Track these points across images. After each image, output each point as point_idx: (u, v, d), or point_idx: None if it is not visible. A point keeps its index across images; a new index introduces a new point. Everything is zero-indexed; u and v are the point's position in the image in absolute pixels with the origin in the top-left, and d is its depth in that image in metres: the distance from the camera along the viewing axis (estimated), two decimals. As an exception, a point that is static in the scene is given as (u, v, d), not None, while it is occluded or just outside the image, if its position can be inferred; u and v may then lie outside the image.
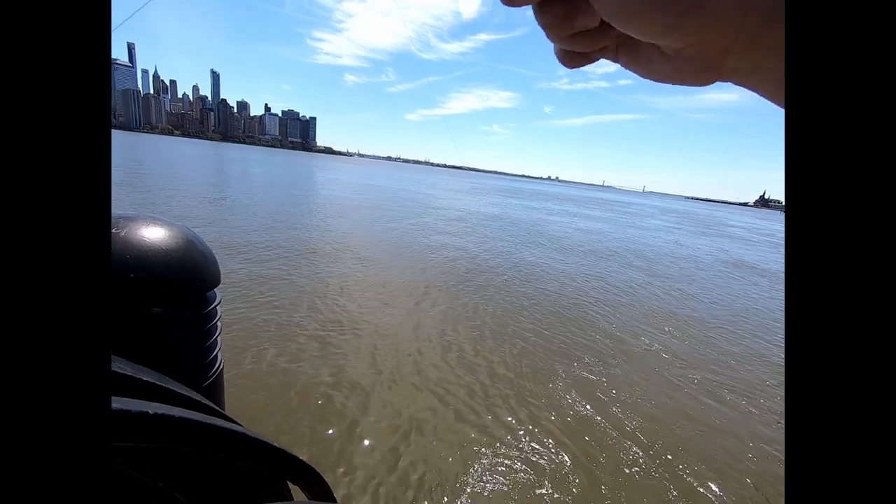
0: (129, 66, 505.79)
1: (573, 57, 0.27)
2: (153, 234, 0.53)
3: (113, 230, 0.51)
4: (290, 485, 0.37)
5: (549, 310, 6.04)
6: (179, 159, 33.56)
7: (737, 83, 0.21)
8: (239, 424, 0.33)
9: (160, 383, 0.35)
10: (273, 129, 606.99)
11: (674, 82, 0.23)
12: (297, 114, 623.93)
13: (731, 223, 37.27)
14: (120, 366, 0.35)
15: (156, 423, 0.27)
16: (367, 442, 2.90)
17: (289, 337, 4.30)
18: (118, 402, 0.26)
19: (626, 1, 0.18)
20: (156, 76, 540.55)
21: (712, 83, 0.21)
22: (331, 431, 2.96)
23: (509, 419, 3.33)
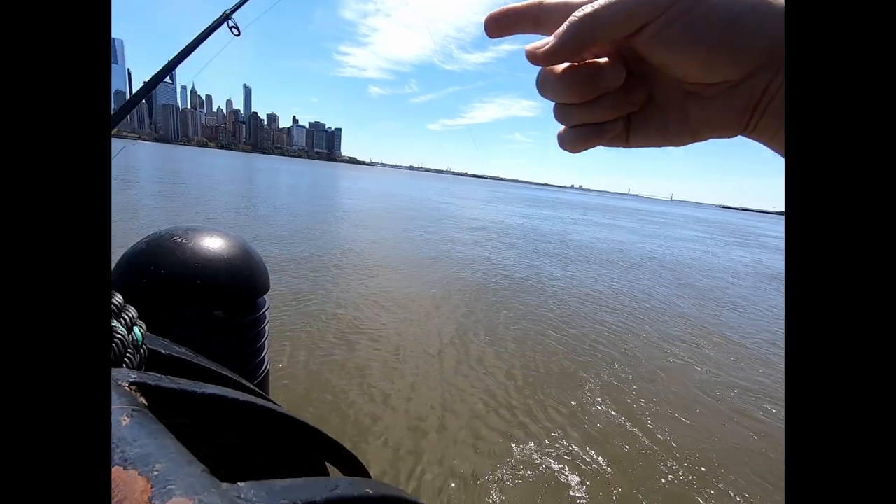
0: (169, 84, 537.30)
1: (581, 136, 0.26)
2: (215, 243, 0.59)
3: (180, 239, 0.57)
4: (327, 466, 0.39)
5: (574, 321, 5.84)
6: (213, 170, 35.06)
7: (766, 141, 0.22)
8: (294, 414, 0.35)
9: (233, 377, 0.39)
10: (300, 140, 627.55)
11: (706, 134, 0.23)
12: (323, 125, 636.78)
13: (767, 233, 35.36)
14: (203, 360, 0.40)
15: (236, 406, 0.30)
16: (383, 439, 2.89)
17: (315, 343, 4.33)
18: (213, 389, 0.29)
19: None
20: (193, 91, 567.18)
21: (745, 132, 0.22)
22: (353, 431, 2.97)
23: (539, 424, 3.29)
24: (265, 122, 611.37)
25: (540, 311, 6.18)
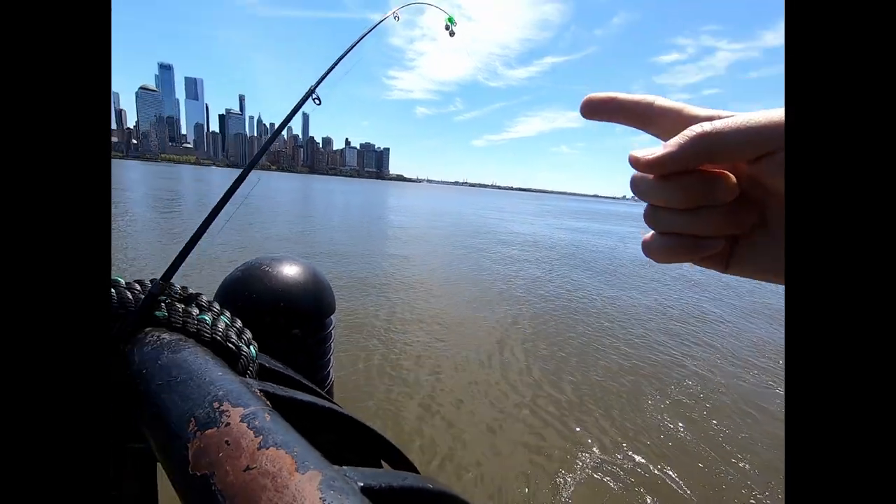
0: (239, 115, 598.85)
1: (674, 246, 0.23)
2: (292, 271, 0.69)
3: (266, 268, 0.67)
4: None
5: (636, 342, 5.42)
6: (278, 193, 38.12)
7: None
8: (371, 425, 0.40)
9: (315, 388, 0.45)
10: (352, 160, 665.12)
11: None
12: (373, 146, 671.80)
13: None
14: (292, 373, 0.48)
15: (323, 411, 0.37)
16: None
17: (364, 358, 4.42)
18: (305, 396, 0.37)
19: None
20: (259, 121, 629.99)
21: None
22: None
23: (603, 437, 3.20)
24: (320, 146, 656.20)
25: (598, 334, 5.81)
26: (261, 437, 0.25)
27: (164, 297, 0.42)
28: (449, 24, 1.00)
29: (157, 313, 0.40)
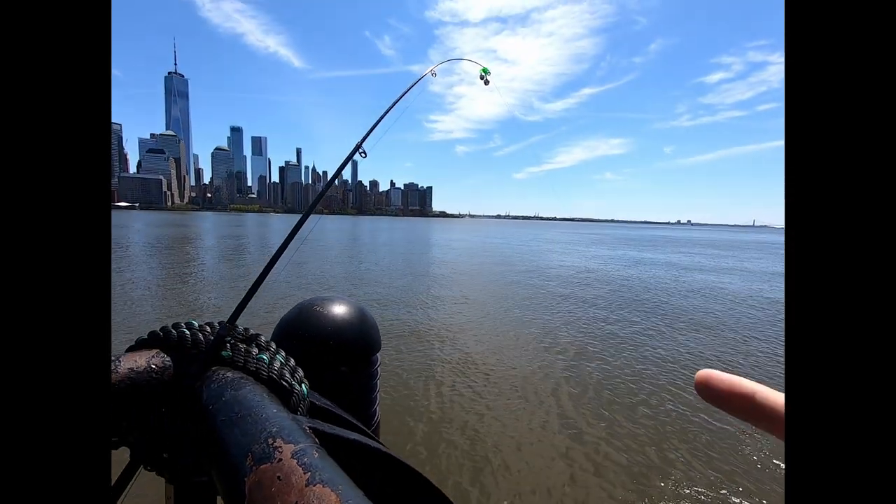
0: (296, 165, 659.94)
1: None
2: (340, 310, 0.74)
3: (318, 308, 0.72)
4: None
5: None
6: (330, 234, 40.56)
7: None
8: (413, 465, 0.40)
9: (361, 427, 0.46)
10: (397, 200, 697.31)
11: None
12: (416, 185, 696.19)
13: None
14: (340, 411, 0.49)
15: (368, 450, 0.38)
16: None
17: (415, 410, 4.35)
18: (351, 434, 0.38)
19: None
20: (313, 169, 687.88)
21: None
22: None
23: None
24: (368, 188, 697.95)
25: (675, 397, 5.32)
26: (309, 473, 0.27)
27: (229, 339, 0.46)
28: (483, 73, 1.08)
29: (224, 353, 0.45)
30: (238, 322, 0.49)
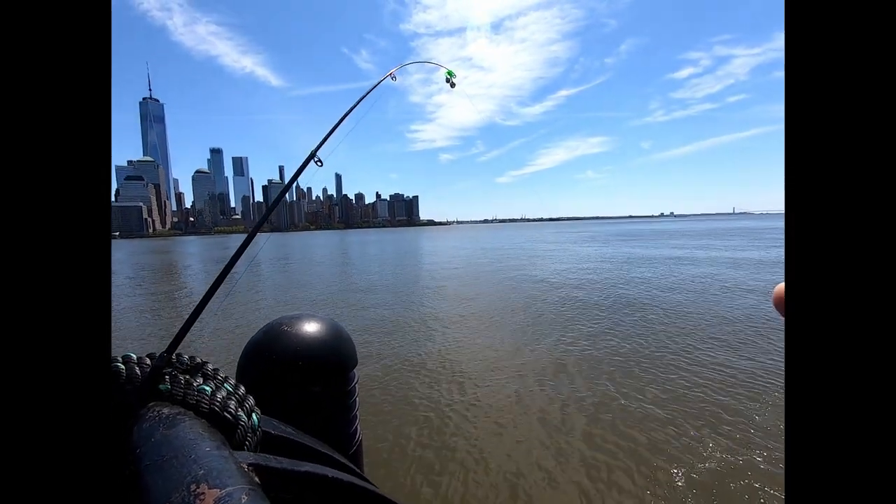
0: (279, 183, 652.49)
1: None
2: (311, 328, 0.69)
3: (286, 327, 0.68)
4: None
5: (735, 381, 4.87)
6: (316, 249, 39.96)
7: None
8: (377, 488, 0.39)
9: (329, 453, 0.44)
10: (383, 211, 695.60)
11: None
12: (402, 195, 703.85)
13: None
14: (304, 438, 0.45)
15: (326, 481, 0.35)
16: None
17: (413, 420, 4.26)
18: (304, 465, 0.35)
19: None
20: (297, 187, 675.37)
21: None
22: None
23: None
24: (353, 202, 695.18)
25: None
26: None
27: (168, 370, 0.42)
28: (449, 76, 1.05)
29: (161, 386, 0.40)
30: (183, 352, 0.44)
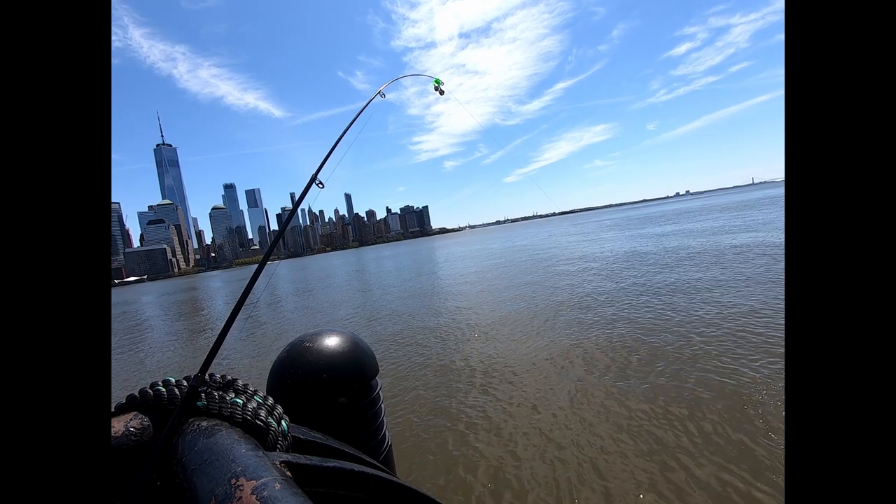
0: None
1: None
2: (333, 342, 0.72)
3: (308, 344, 0.71)
4: None
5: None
6: (333, 269, 40.52)
7: None
8: (402, 481, 0.41)
9: (355, 453, 0.47)
10: (395, 225, 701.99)
11: None
12: (412, 207, 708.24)
13: None
14: (331, 441, 0.49)
15: (353, 475, 0.39)
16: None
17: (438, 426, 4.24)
18: (333, 462, 0.39)
19: None
20: (310, 211, 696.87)
21: None
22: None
23: None
24: (365, 219, 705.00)
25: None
26: None
27: (203, 388, 0.48)
28: (437, 84, 1.08)
29: (199, 403, 0.46)
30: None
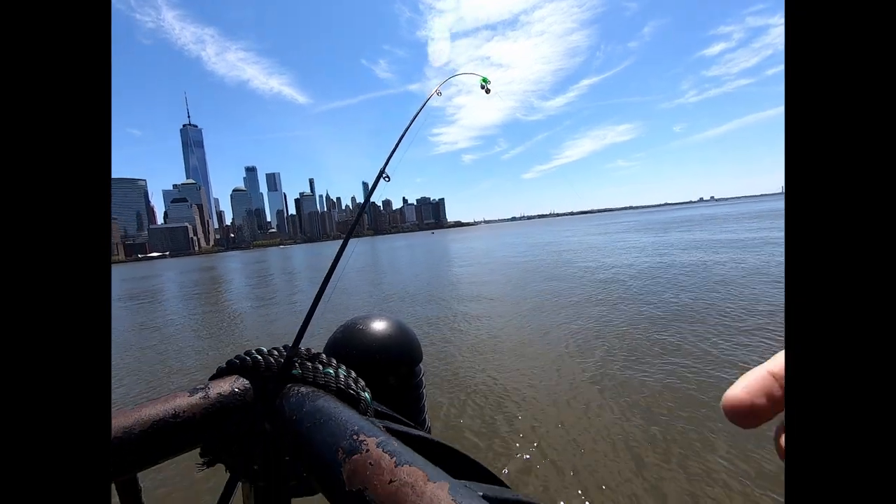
0: (309, 195, 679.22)
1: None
2: (383, 326, 0.77)
3: (361, 326, 0.75)
4: None
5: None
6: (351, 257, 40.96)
7: None
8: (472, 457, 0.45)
9: (418, 427, 0.51)
10: (411, 216, 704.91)
11: None
12: (429, 199, 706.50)
13: None
14: (398, 416, 0.56)
15: (431, 443, 0.45)
16: None
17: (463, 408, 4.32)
18: (416, 431, 0.46)
19: None
20: (327, 197, 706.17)
21: None
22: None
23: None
24: (381, 208, 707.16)
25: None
26: (395, 458, 0.32)
27: (296, 359, 0.55)
28: (484, 83, 1.11)
29: (294, 371, 0.53)
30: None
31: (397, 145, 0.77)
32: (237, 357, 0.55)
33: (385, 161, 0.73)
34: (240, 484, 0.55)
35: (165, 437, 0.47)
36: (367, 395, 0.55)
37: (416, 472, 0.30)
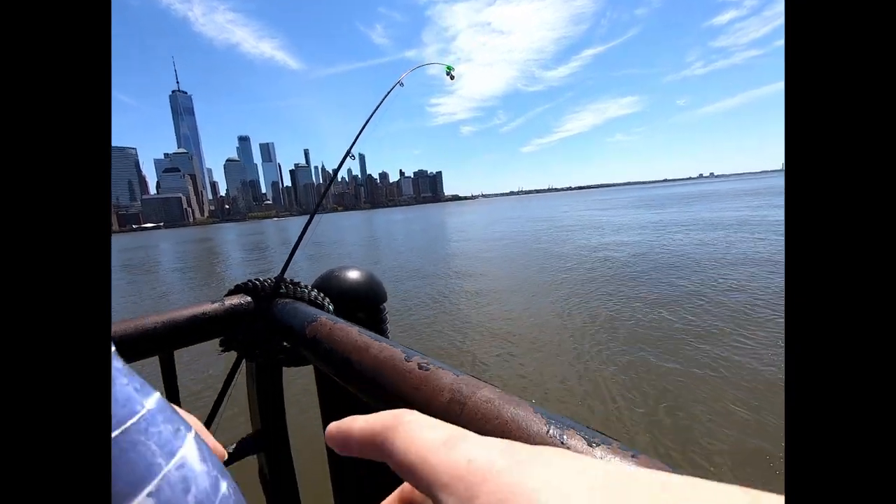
0: (305, 167, 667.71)
1: None
2: (353, 274, 0.98)
3: (337, 273, 0.97)
4: None
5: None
6: (345, 232, 40.91)
7: None
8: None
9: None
10: (408, 189, 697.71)
11: None
12: (426, 171, 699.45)
13: None
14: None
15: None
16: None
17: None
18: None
19: None
20: (323, 169, 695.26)
21: None
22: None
23: None
24: (378, 181, 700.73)
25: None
26: (332, 321, 0.63)
27: (282, 283, 0.86)
28: (448, 70, 1.26)
29: (281, 290, 0.85)
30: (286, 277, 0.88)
31: (362, 130, 0.96)
32: (242, 283, 0.87)
33: (351, 143, 0.92)
34: (244, 362, 0.87)
35: (197, 327, 0.79)
36: (331, 307, 0.84)
37: (348, 328, 0.56)
